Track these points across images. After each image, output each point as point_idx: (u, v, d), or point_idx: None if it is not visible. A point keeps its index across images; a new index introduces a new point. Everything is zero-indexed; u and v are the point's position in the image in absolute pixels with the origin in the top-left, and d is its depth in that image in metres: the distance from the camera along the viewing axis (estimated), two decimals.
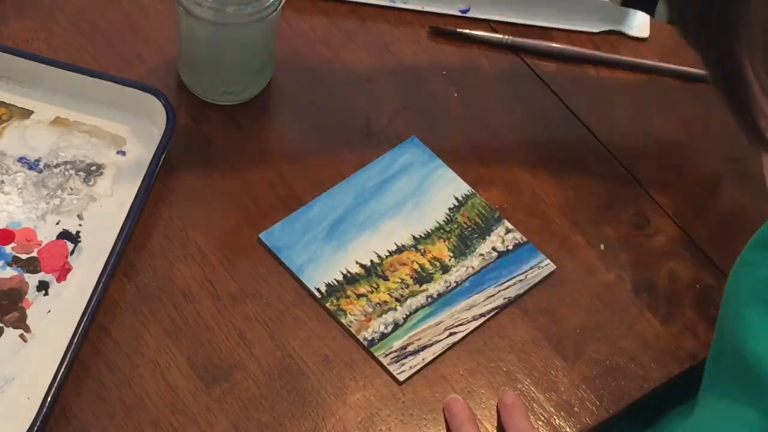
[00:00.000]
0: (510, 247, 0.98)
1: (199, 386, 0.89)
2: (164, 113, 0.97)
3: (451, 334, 0.93)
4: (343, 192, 0.98)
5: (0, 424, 0.85)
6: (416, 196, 1.00)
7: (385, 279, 0.95)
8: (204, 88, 1.02)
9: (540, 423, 0.91)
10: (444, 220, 0.99)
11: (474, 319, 0.94)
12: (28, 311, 0.90)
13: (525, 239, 0.99)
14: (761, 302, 0.75)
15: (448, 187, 1.01)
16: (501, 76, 1.09)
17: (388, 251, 0.96)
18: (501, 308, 0.95)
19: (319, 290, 0.94)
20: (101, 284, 0.89)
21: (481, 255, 0.97)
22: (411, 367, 0.91)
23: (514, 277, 0.97)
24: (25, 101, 1.00)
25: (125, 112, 0.99)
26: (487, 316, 0.95)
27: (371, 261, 0.96)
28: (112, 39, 1.05)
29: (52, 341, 0.88)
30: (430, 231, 0.98)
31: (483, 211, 1.00)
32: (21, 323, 0.90)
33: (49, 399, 0.84)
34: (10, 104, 1.00)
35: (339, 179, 1.00)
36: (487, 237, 0.98)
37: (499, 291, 0.96)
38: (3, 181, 0.96)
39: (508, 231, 0.99)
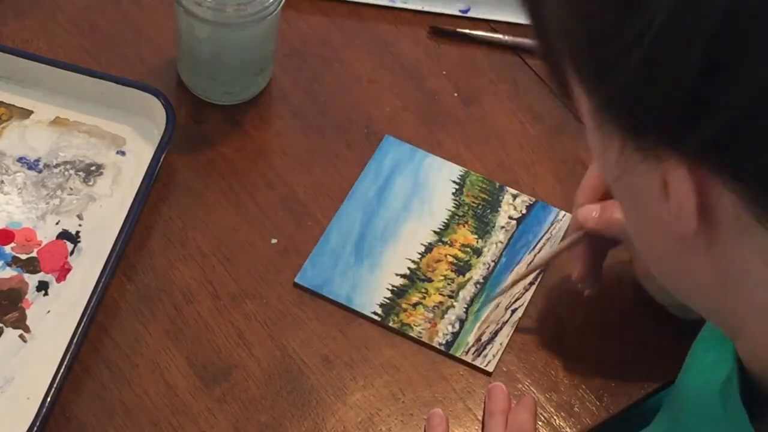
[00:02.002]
0: (524, 211, 1.00)
1: (199, 386, 0.89)
2: (164, 113, 0.97)
3: (513, 312, 0.95)
4: (350, 211, 0.98)
5: (0, 424, 0.85)
6: (417, 192, 1.00)
7: (429, 281, 0.95)
8: (204, 88, 1.02)
9: (540, 423, 0.91)
10: (453, 206, 0.99)
11: (526, 290, 0.96)
12: (27, 311, 0.90)
13: (533, 199, 1.00)
14: (709, 338, 0.75)
15: (442, 174, 1.01)
16: (501, 76, 1.09)
17: (419, 253, 0.97)
18: (544, 270, 0.96)
19: (375, 313, 0.93)
20: (101, 284, 0.89)
21: (502, 227, 0.99)
22: (494, 356, 0.92)
23: (542, 238, 0.98)
24: (25, 101, 1.00)
25: (125, 112, 0.99)
26: (536, 283, 0.96)
27: (409, 268, 0.96)
28: (112, 39, 1.05)
29: (52, 341, 0.88)
30: (446, 221, 0.99)
31: (484, 185, 1.01)
32: (21, 323, 0.90)
33: (49, 399, 0.84)
34: (10, 104, 1.00)
35: (339, 179, 1.00)
36: (499, 208, 0.99)
37: (534, 256, 0.97)
38: (3, 181, 0.96)
39: (515, 196, 1.00)
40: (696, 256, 0.55)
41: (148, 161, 0.96)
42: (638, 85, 0.49)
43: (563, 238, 0.97)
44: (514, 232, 0.99)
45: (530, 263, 0.96)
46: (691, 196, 0.51)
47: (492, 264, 0.97)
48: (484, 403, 0.90)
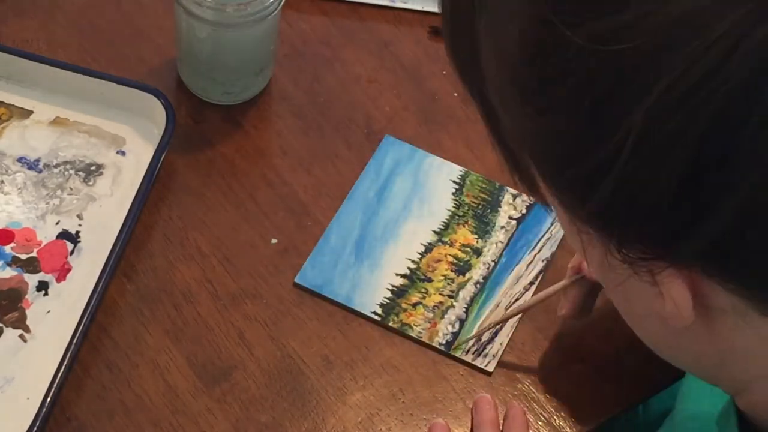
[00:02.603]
0: (524, 211, 1.00)
1: (199, 386, 0.89)
2: (164, 113, 0.97)
3: None
4: (350, 211, 0.98)
5: (0, 424, 0.85)
6: (417, 191, 1.00)
7: (429, 281, 0.95)
8: (204, 88, 1.02)
9: (540, 423, 0.91)
10: (453, 206, 0.99)
11: (525, 289, 0.96)
12: (27, 311, 0.90)
13: (533, 199, 1.00)
14: None
15: (442, 174, 1.01)
16: None
17: (419, 253, 0.97)
18: (544, 270, 0.97)
19: (375, 313, 0.93)
20: (101, 284, 0.89)
21: (502, 227, 0.99)
22: (494, 356, 0.92)
23: (542, 238, 0.98)
24: (25, 101, 1.00)
25: (125, 112, 0.99)
26: (536, 283, 0.96)
27: (409, 268, 0.96)
28: (112, 39, 1.05)
29: (52, 341, 0.88)
30: (446, 221, 0.99)
31: (484, 185, 1.01)
32: (21, 323, 0.90)
33: (48, 399, 0.84)
34: (10, 104, 1.00)
35: (339, 179, 1.00)
36: (499, 208, 0.99)
37: (535, 256, 0.97)
38: (3, 181, 0.96)
39: (515, 196, 1.00)
40: (694, 337, 0.54)
41: (148, 161, 0.96)
42: (617, 203, 0.47)
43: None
44: (514, 231, 0.99)
45: (515, 306, 0.94)
46: (686, 296, 0.50)
47: (492, 264, 0.97)
48: (471, 415, 0.89)
